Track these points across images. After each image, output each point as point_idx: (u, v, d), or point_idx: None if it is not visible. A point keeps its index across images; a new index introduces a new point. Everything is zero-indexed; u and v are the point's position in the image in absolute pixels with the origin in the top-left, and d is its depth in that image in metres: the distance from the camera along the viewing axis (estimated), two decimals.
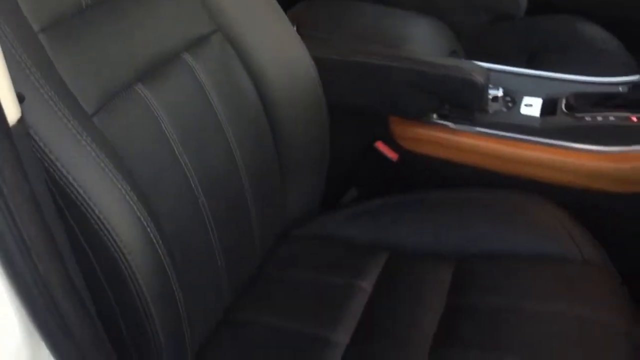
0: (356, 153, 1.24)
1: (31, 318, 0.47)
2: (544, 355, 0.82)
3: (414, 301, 0.96)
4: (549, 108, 1.14)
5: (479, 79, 1.06)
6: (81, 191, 0.63)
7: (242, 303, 0.98)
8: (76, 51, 0.72)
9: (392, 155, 1.19)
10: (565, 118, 1.10)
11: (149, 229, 0.68)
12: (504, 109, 1.15)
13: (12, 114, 0.45)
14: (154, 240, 0.68)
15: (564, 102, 1.13)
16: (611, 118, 1.07)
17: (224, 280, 0.92)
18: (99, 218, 0.64)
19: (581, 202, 1.07)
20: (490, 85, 1.13)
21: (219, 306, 0.93)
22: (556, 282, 0.94)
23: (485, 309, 0.91)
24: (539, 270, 0.97)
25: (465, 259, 1.01)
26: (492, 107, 1.15)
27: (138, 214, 0.67)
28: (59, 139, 0.63)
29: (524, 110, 1.15)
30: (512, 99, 1.17)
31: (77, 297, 0.50)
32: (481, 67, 1.09)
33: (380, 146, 1.19)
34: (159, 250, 0.69)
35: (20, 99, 0.47)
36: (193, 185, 0.84)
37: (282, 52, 1.04)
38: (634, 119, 1.05)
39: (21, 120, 0.47)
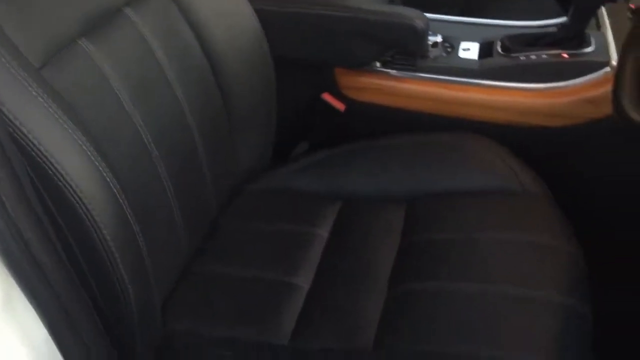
0: (304, 106, 1.25)
1: (4, 260, 0.47)
2: (496, 278, 0.87)
3: (370, 243, 1.00)
4: (485, 51, 1.18)
5: (420, 24, 1.09)
6: (36, 142, 0.62)
7: (202, 257, 0.99)
8: (17, 4, 0.70)
9: (339, 105, 1.21)
10: (502, 59, 1.15)
11: (108, 179, 0.68)
12: (444, 54, 1.19)
13: None
14: (115, 190, 0.68)
15: (499, 44, 1.18)
16: (544, 56, 1.12)
17: (183, 236, 0.93)
18: (56, 168, 0.63)
19: (520, 139, 1.12)
20: (429, 32, 1.16)
21: (179, 261, 0.94)
22: (502, 213, 1.00)
23: (437, 243, 0.96)
24: (486, 204, 1.02)
25: (416, 200, 1.05)
26: (432, 52, 1.19)
27: (96, 163, 0.66)
28: (10, 90, 0.61)
29: (462, 54, 1.19)
30: (451, 45, 1.21)
31: (48, 240, 0.50)
32: (421, 13, 1.12)
33: (327, 97, 1.21)
34: (120, 199, 0.69)
35: None
36: (146, 142, 0.84)
37: (223, 5, 1.04)
38: (565, 55, 1.11)
39: None
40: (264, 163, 1.19)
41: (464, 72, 1.15)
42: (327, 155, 1.17)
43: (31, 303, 0.49)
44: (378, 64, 1.18)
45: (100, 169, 0.67)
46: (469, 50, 1.19)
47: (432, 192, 1.06)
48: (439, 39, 1.21)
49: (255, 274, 0.95)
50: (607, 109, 1.05)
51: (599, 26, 1.16)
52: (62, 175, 0.63)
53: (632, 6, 0.80)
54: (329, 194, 1.10)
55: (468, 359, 0.75)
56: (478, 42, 1.21)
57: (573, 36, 1.12)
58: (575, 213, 1.02)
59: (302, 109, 1.26)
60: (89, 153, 0.66)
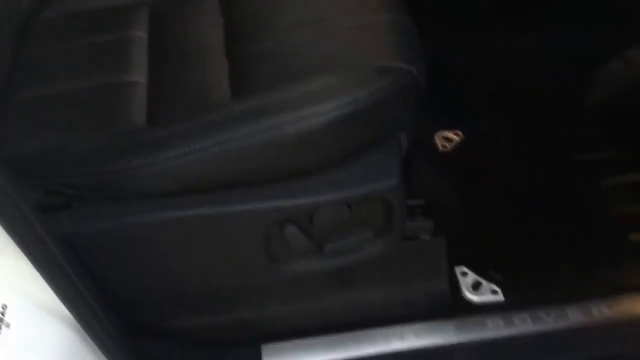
0: None
1: None
2: (329, 16, 0.88)
3: (194, 28, 0.97)
4: None
5: None
6: None
7: (17, 85, 0.88)
8: None
9: None
10: None
11: None
12: None
13: None
14: None
15: None
16: None
17: None
18: None
19: None
20: None
21: None
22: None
23: (261, 9, 0.95)
24: None
25: None
26: None
27: None
28: None
29: None
30: None
31: None
32: None
33: None
34: None
35: None
36: None
37: None
38: None
39: None
40: None
41: None
42: None
43: None
44: None
45: None
46: None
47: None
48: None
49: (85, 84, 0.88)
50: None
51: None
52: None
53: None
54: (133, 2, 1.03)
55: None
56: None
57: None
58: None
59: None
60: None
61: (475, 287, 1.04)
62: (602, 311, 1.01)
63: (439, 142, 1.36)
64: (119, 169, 0.71)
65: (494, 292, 1.03)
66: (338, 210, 0.78)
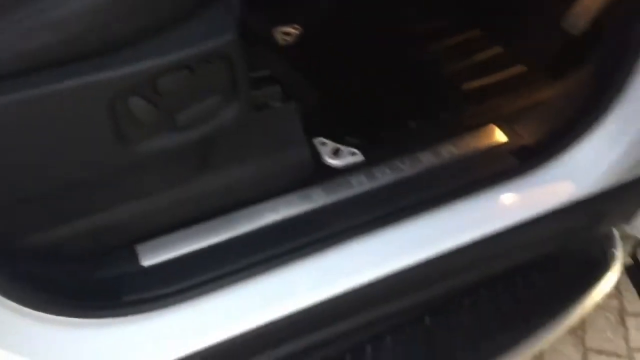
0: None
1: None
2: None
3: None
4: None
5: None
6: None
7: None
8: None
9: None
10: None
11: None
12: None
13: None
14: None
15: None
16: None
17: None
18: None
19: None
20: None
21: None
22: None
23: None
24: None
25: None
26: None
27: None
28: None
29: None
30: None
31: None
32: None
33: None
34: None
35: None
36: None
37: None
38: None
39: None
40: None
41: None
42: None
43: None
44: None
45: None
46: None
47: None
48: None
49: None
50: None
51: None
52: None
53: None
54: None
55: None
56: None
57: None
58: None
59: None
60: None
61: (335, 152, 1.09)
62: (450, 150, 1.10)
63: (278, 37, 1.38)
64: None
65: (353, 154, 1.09)
66: (182, 76, 0.77)
